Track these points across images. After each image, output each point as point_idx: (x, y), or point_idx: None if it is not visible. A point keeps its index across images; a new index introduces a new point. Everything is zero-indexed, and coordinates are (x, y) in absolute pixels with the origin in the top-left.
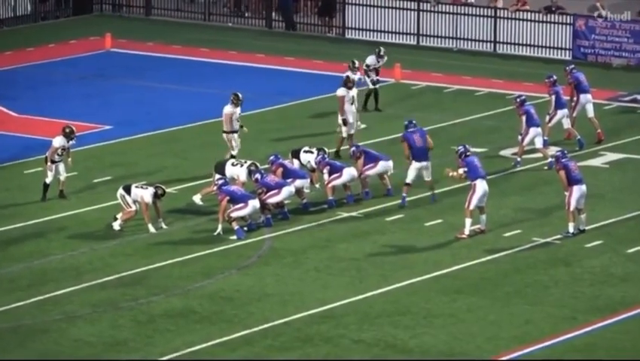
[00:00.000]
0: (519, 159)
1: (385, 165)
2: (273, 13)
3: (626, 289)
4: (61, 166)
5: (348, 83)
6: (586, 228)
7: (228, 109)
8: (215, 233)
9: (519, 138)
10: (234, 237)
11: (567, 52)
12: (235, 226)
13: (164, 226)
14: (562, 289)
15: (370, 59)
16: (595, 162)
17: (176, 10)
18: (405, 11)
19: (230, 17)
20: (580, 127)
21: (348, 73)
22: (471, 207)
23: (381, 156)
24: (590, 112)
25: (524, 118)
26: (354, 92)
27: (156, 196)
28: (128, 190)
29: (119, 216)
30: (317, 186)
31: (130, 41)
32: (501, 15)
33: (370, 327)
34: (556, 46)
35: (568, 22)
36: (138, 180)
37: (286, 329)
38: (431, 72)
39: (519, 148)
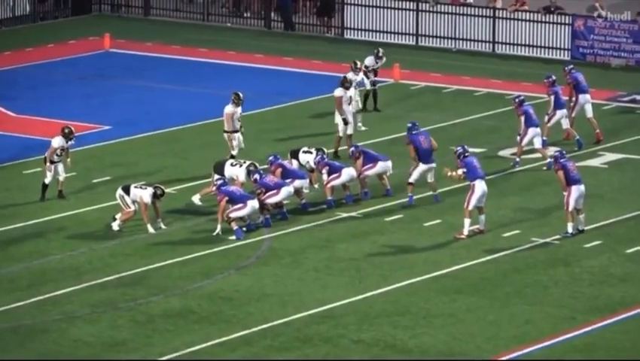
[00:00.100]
0: (517, 160)
1: (384, 166)
2: (272, 14)
3: (625, 289)
4: (60, 166)
5: (345, 84)
6: (586, 228)
7: (229, 108)
8: (214, 233)
9: (518, 138)
10: (233, 237)
11: (566, 52)
12: (234, 226)
13: (163, 227)
14: (562, 290)
15: (369, 60)
16: (594, 162)
17: (175, 10)
18: (404, 11)
19: (228, 17)
20: (579, 127)
21: (350, 73)
22: (470, 207)
23: (380, 156)
24: (589, 112)
25: (523, 118)
26: (351, 92)
27: (155, 197)
28: (127, 190)
29: (118, 216)
30: (316, 186)
31: (129, 41)
32: (500, 15)
33: (369, 327)
34: (554, 46)
35: (567, 22)
36: (138, 181)
37: (285, 329)
38: (430, 72)
39: (518, 148)
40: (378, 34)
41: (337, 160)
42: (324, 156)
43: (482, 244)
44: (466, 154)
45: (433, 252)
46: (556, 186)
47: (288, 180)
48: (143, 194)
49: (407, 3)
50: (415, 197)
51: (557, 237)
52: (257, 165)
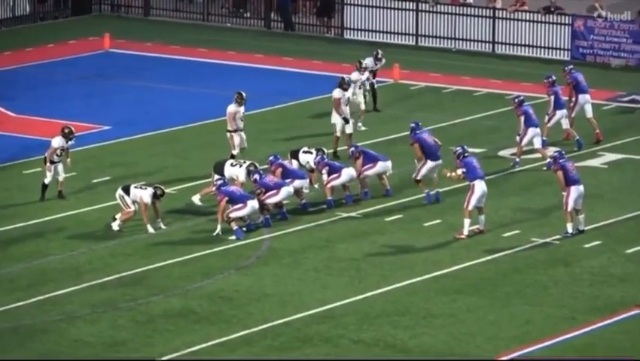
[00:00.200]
0: (517, 160)
1: (383, 166)
2: (272, 14)
3: (625, 290)
4: (60, 167)
5: (343, 85)
6: (586, 228)
7: (232, 108)
8: (214, 234)
9: (518, 138)
10: (233, 237)
11: (565, 52)
12: (234, 226)
13: (163, 227)
14: (562, 290)
15: (368, 62)
16: (594, 162)
17: (175, 10)
18: (404, 12)
19: (228, 18)
20: (579, 127)
21: (355, 73)
22: (470, 207)
23: (380, 156)
24: (589, 112)
25: (522, 118)
26: (349, 93)
27: (155, 197)
28: (127, 191)
29: (118, 216)
30: (316, 186)
31: (129, 42)
32: (500, 15)
33: (369, 327)
34: (554, 46)
35: (567, 22)
36: (138, 181)
37: (285, 329)
38: (429, 72)
39: (518, 148)
40: (378, 34)
41: (337, 160)
42: (324, 157)
43: (482, 244)
44: (465, 154)
45: (433, 252)
46: (555, 186)
47: (287, 180)
48: (143, 194)
49: (407, 3)
50: (415, 197)
51: (557, 237)
52: (256, 165)
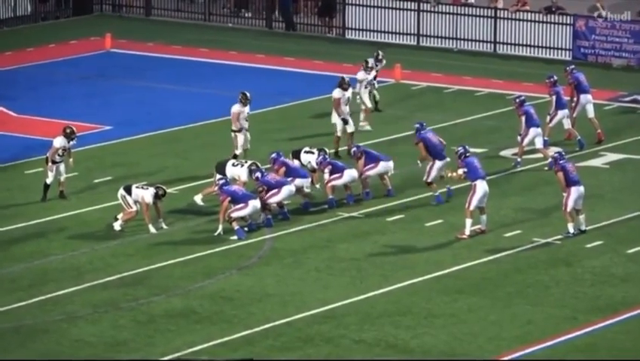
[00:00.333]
0: (519, 160)
1: (385, 166)
2: (276, 13)
3: (626, 290)
4: (62, 167)
5: (343, 85)
6: (587, 228)
7: (236, 108)
8: (216, 233)
9: (519, 138)
10: (234, 237)
11: (567, 52)
12: (235, 226)
13: (164, 227)
14: (563, 290)
15: (369, 63)
16: (596, 162)
17: (176, 10)
18: (405, 12)
19: (230, 18)
20: (581, 127)
21: (361, 73)
22: (471, 207)
23: (381, 156)
24: (590, 112)
25: (523, 118)
26: (349, 93)
27: (156, 197)
28: (129, 190)
29: (119, 216)
30: (317, 186)
31: (130, 42)
32: (501, 15)
33: (371, 327)
34: (556, 46)
35: (568, 22)
36: (139, 181)
37: (287, 329)
38: (431, 72)
39: (519, 148)
40: (379, 34)
41: (339, 160)
42: (327, 156)
43: (483, 244)
44: (467, 154)
45: (434, 252)
46: (557, 186)
47: (289, 179)
48: (145, 194)
49: (408, 3)
50: (416, 197)
51: (559, 237)
52: (258, 164)
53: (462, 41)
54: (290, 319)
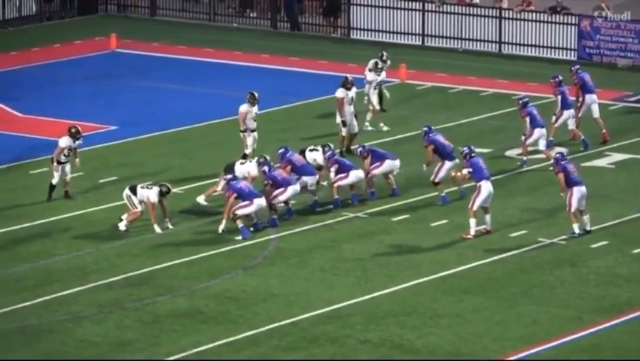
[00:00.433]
0: (524, 159)
1: (391, 164)
2: (279, 14)
3: (632, 290)
4: (67, 167)
5: (346, 84)
6: (592, 228)
7: (244, 108)
8: (219, 230)
9: (522, 137)
10: (239, 237)
11: (572, 52)
12: (239, 224)
13: (170, 226)
14: (568, 290)
15: (373, 63)
16: (601, 162)
17: (181, 10)
18: (410, 12)
19: (235, 18)
20: (586, 127)
21: (371, 74)
22: (474, 208)
23: (388, 154)
24: (596, 112)
25: (527, 119)
26: (353, 92)
27: (161, 194)
28: (134, 190)
29: (124, 217)
30: (324, 183)
31: (135, 42)
32: (506, 15)
33: (376, 327)
34: (561, 46)
35: (573, 22)
36: (145, 181)
37: (292, 330)
38: (436, 72)
39: (523, 148)
40: (384, 34)
41: (347, 158)
42: (334, 153)
43: (488, 244)
44: (472, 154)
45: (439, 252)
46: None
47: (295, 177)
48: (150, 194)
49: (413, 3)
50: (421, 197)
51: (564, 237)
52: (267, 157)
53: (467, 41)
54: (295, 319)
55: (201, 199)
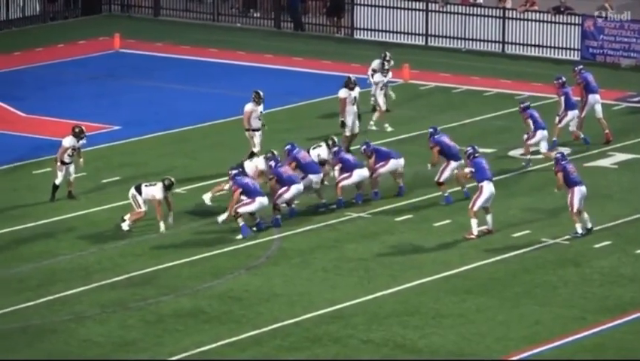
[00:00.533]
0: (528, 157)
1: (396, 163)
2: (283, 14)
3: (635, 290)
4: (71, 167)
5: (349, 84)
6: (595, 228)
7: (249, 107)
8: (219, 220)
9: (525, 137)
10: (239, 236)
11: (575, 52)
12: (240, 222)
13: (171, 221)
14: (572, 290)
15: (376, 64)
16: (604, 162)
17: (185, 10)
18: (413, 12)
19: (238, 18)
20: (589, 127)
21: (378, 75)
22: (475, 208)
23: (392, 153)
24: (599, 112)
25: (530, 121)
26: (356, 92)
27: (165, 188)
28: (139, 190)
29: (126, 217)
30: (326, 183)
31: (139, 42)
32: (510, 15)
33: (378, 327)
34: (564, 46)
35: (577, 22)
36: (148, 181)
37: (295, 329)
38: (439, 72)
39: (525, 148)
40: (387, 34)
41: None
42: (341, 149)
43: (491, 244)
44: (476, 155)
45: (442, 252)
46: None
47: (300, 176)
48: (155, 191)
49: (417, 3)
50: (424, 197)
51: (567, 237)
52: (275, 152)
53: (471, 41)
54: (298, 319)
55: (207, 198)
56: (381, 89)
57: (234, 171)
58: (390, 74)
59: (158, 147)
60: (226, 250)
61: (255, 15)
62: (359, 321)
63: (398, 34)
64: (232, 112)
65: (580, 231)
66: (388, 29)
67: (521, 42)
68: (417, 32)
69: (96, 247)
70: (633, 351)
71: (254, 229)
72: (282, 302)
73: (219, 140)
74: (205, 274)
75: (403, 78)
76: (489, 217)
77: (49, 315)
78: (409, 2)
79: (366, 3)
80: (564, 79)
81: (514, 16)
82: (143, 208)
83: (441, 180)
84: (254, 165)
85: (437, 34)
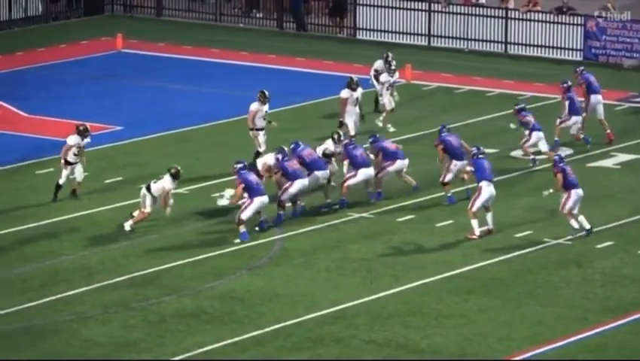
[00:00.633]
0: (532, 157)
1: (401, 163)
2: (285, 14)
3: (637, 290)
4: (78, 168)
5: (351, 85)
6: (597, 228)
7: (254, 106)
8: (218, 202)
9: (522, 141)
10: (237, 240)
11: (578, 52)
12: (242, 229)
13: (167, 213)
14: (574, 290)
15: (378, 64)
16: (606, 162)
17: (187, 10)
18: (416, 12)
19: (240, 18)
20: (591, 127)
21: (384, 75)
22: (474, 208)
23: (399, 153)
24: (600, 113)
25: (528, 122)
26: (358, 93)
27: (173, 177)
28: (150, 189)
29: (135, 213)
30: (334, 184)
31: (141, 42)
32: (512, 16)
33: (381, 327)
34: (567, 47)
35: (579, 22)
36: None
37: (297, 330)
38: (441, 73)
39: (523, 151)
40: (390, 34)
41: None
42: (350, 146)
43: (493, 244)
44: (479, 155)
45: (445, 252)
46: None
47: (306, 172)
48: (164, 184)
49: (419, 3)
50: (427, 198)
51: (569, 237)
52: (284, 148)
53: (473, 42)
54: (300, 319)
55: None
56: (387, 90)
57: (239, 165)
58: (397, 74)
59: (161, 147)
60: (228, 250)
61: (258, 15)
62: (361, 321)
63: (401, 35)
64: (234, 112)
65: (575, 226)
66: (390, 30)
67: (523, 42)
68: (419, 33)
69: (99, 248)
70: (635, 351)
71: (257, 228)
72: (285, 303)
73: (221, 140)
74: (208, 275)
75: (406, 78)
76: (489, 216)
77: (51, 315)
78: (412, 3)
79: (368, 3)
80: (570, 83)
81: (517, 17)
82: (148, 210)
83: (445, 180)
84: (263, 161)
85: (439, 34)
